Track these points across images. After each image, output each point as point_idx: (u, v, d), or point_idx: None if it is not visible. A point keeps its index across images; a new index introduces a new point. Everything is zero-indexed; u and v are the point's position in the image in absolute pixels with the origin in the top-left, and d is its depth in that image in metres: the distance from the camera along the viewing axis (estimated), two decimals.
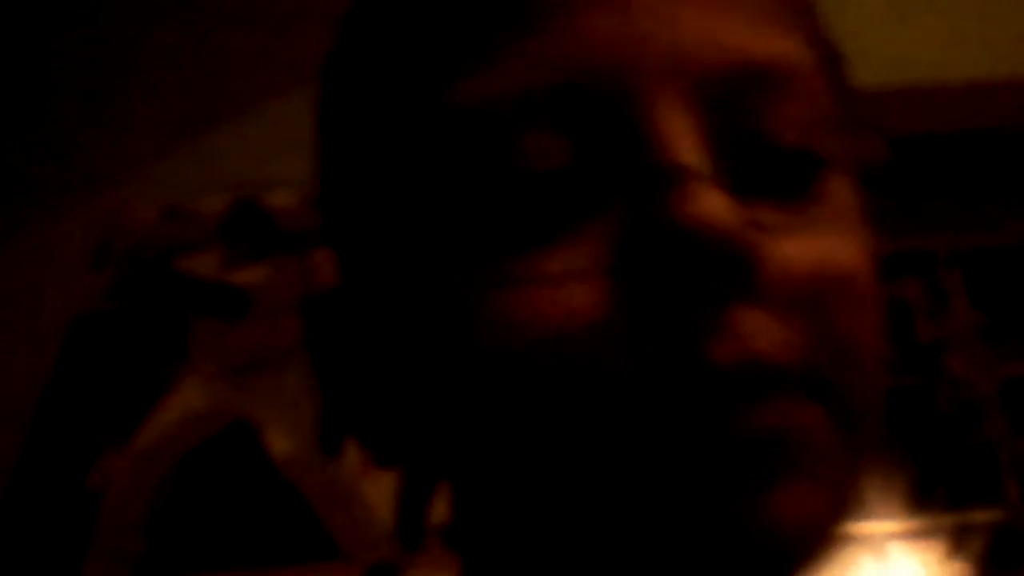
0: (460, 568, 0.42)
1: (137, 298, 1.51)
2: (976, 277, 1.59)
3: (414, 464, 0.42)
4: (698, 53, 0.33)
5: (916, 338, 1.53)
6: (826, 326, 0.33)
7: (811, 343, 0.32)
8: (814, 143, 0.35)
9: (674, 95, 0.33)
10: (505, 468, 0.34)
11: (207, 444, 1.41)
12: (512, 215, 0.33)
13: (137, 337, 1.60)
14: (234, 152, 1.58)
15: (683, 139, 0.32)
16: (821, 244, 0.34)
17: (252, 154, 1.53)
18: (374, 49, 0.38)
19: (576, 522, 0.33)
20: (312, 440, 1.27)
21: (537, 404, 0.32)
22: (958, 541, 1.41)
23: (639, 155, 0.32)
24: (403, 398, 0.38)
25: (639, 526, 0.32)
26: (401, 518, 0.44)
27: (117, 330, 1.61)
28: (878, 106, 1.37)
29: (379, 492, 1.29)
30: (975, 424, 1.49)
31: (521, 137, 0.33)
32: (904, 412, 1.46)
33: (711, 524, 0.31)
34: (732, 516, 0.31)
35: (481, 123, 0.33)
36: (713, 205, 0.30)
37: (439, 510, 0.45)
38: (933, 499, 1.44)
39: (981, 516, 1.42)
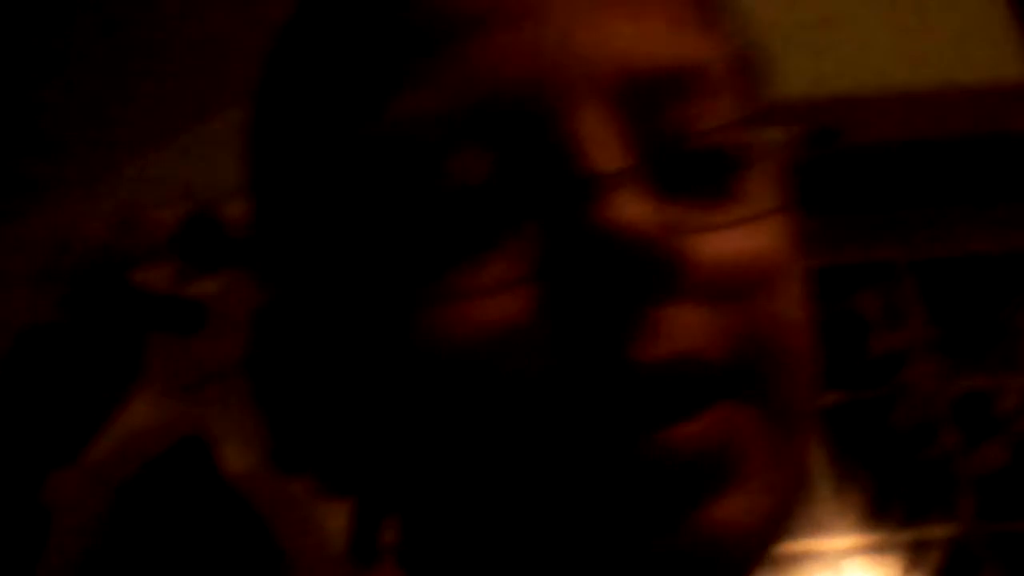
0: None
1: (89, 311, 1.50)
2: (933, 289, 1.60)
3: (362, 491, 0.42)
4: (613, 61, 0.34)
5: (871, 351, 1.54)
6: (751, 318, 0.34)
7: (737, 336, 0.33)
8: (731, 142, 0.36)
9: (592, 103, 0.34)
10: (444, 482, 0.34)
11: (159, 459, 1.40)
12: (440, 233, 0.33)
13: (87, 351, 1.58)
14: (187, 163, 1.57)
15: (602, 147, 0.33)
16: (742, 239, 0.35)
17: (205, 164, 1.52)
18: (299, 78, 0.39)
19: (514, 537, 0.33)
20: (266, 456, 1.26)
21: (471, 416, 0.33)
22: (914, 557, 1.41)
23: (561, 165, 0.33)
24: (343, 422, 0.38)
25: (574, 544, 0.32)
26: (354, 537, 0.44)
27: (66, 344, 1.59)
28: (837, 114, 1.38)
29: (333, 509, 1.28)
30: (931, 438, 1.50)
31: (446, 157, 0.33)
32: (859, 426, 1.47)
33: (648, 541, 0.31)
34: (668, 533, 0.31)
35: (405, 147, 0.34)
36: (633, 210, 0.31)
37: (392, 529, 0.45)
38: (889, 514, 1.44)
39: (937, 531, 1.43)
